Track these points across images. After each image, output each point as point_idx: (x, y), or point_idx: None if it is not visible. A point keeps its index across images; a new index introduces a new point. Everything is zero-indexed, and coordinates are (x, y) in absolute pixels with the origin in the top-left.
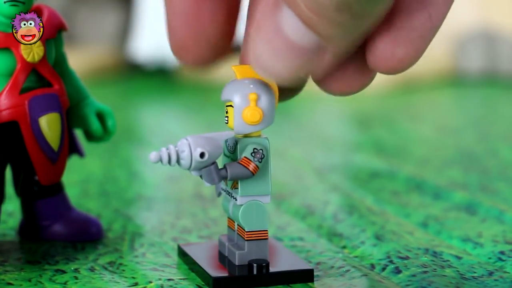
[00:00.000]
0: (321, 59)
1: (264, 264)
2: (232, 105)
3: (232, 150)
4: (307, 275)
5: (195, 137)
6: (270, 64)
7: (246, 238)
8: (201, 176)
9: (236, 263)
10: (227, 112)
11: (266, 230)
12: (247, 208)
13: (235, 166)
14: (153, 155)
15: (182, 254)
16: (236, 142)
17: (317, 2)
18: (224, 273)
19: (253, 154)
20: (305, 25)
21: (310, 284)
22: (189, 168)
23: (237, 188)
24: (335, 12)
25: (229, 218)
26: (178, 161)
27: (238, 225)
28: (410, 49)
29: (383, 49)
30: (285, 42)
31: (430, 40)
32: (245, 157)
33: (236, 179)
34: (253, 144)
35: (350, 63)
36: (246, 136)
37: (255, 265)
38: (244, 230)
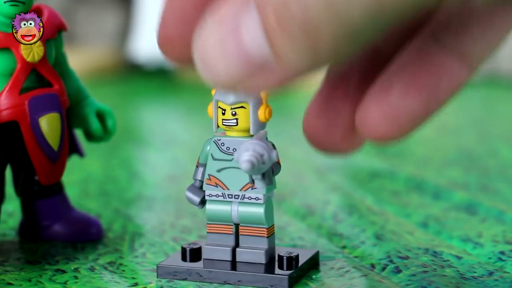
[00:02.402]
0: (263, 76)
1: (294, 256)
2: (245, 106)
3: (232, 152)
4: (317, 258)
5: (260, 141)
6: (213, 61)
7: (267, 235)
8: (259, 179)
9: (264, 262)
10: (234, 114)
11: (273, 224)
12: (267, 205)
13: (276, 165)
14: (245, 164)
15: (170, 274)
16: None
17: (287, 12)
18: (282, 272)
19: None
20: (266, 34)
21: (310, 284)
22: (264, 171)
23: (254, 188)
24: (299, 30)
25: (217, 223)
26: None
27: (245, 226)
28: (395, 129)
29: (369, 119)
30: (237, 44)
31: (420, 125)
32: None
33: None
34: (269, 142)
35: (346, 123)
36: (247, 136)
37: (285, 257)
38: (265, 227)
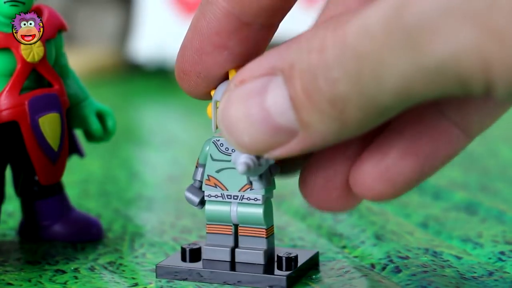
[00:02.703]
0: (287, 144)
1: (293, 256)
2: None
3: (231, 152)
4: (316, 258)
5: None
6: (238, 126)
7: (266, 236)
8: (257, 180)
9: (263, 262)
10: None
11: (273, 225)
12: (266, 206)
13: (274, 165)
14: (241, 166)
15: (170, 274)
16: None
17: (315, 86)
18: (282, 272)
19: None
20: (292, 103)
21: (310, 284)
22: (261, 173)
23: (252, 189)
24: (327, 104)
25: (217, 224)
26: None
27: (244, 226)
28: (389, 190)
29: (364, 179)
30: (263, 110)
31: (414, 187)
32: None
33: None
34: None
35: (341, 182)
36: None
37: (284, 257)
38: (264, 228)
